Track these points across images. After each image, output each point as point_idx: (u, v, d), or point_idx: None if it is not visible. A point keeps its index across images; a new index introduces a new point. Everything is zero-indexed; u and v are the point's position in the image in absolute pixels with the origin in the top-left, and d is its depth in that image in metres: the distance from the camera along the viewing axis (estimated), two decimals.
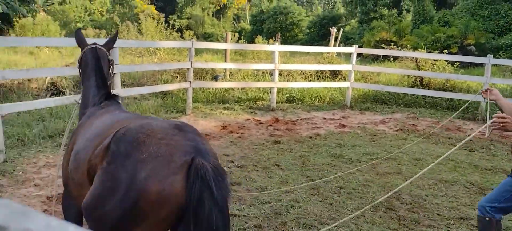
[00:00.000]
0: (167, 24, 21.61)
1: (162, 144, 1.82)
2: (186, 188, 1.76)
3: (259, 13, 50.18)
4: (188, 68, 8.61)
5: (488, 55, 9.17)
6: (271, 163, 5.53)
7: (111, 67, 3.06)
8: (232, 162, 5.54)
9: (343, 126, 8.20)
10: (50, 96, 8.71)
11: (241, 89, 10.60)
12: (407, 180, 4.97)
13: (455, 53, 20.84)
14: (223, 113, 8.76)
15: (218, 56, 17.60)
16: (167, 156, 1.78)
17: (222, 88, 10.24)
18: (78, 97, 3.06)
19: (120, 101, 2.89)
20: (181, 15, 49.43)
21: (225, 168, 5.21)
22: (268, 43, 20.83)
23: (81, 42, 3.08)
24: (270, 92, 9.72)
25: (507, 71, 13.34)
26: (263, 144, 6.62)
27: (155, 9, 43.30)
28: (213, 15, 56.28)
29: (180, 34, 24.34)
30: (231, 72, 11.84)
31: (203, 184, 1.76)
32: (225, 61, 11.79)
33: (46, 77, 9.44)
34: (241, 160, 5.67)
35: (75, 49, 17.02)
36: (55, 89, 9.45)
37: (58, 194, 4.08)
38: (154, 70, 10.63)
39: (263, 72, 11.86)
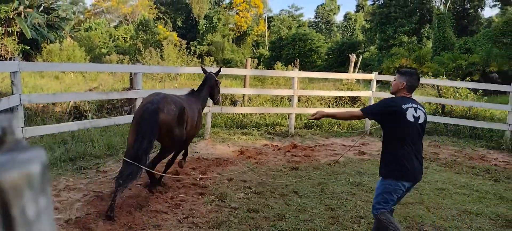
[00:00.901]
0: (188, 50, 22.08)
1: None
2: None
3: (278, 39, 50.74)
4: None
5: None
6: (289, 190, 5.46)
7: (217, 84, 6.21)
8: (249, 188, 5.50)
9: (363, 153, 8.07)
10: (72, 120, 8.92)
11: (259, 114, 10.63)
12: (429, 211, 4.83)
13: (477, 81, 20.46)
14: (241, 139, 8.77)
15: (237, 82, 17.79)
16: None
17: (241, 113, 10.29)
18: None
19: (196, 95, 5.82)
20: (202, 41, 50.42)
21: (242, 194, 5.20)
22: (286, 69, 20.94)
23: (204, 70, 6.31)
24: (289, 118, 9.71)
25: None
26: (281, 170, 6.57)
27: (177, 36, 44.33)
28: (233, 42, 57.20)
29: (200, 60, 24.74)
30: (249, 98, 11.91)
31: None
32: (244, 86, 11.89)
33: (70, 102, 9.70)
34: (258, 186, 5.62)
35: (99, 74, 17.51)
36: (77, 113, 9.68)
37: (76, 217, 4.12)
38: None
39: (281, 98, 11.89)
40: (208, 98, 6.25)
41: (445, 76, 13.34)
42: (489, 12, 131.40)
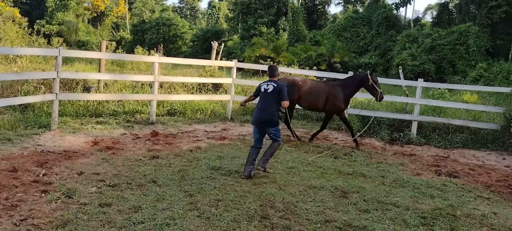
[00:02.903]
0: (32, 29, 19.32)
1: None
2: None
3: (141, 23, 48.48)
4: (54, 79, 7.76)
5: (350, 72, 10.31)
6: (148, 180, 5.26)
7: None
8: (103, 181, 5.11)
9: (224, 138, 8.30)
10: None
11: (117, 102, 9.98)
12: (281, 189, 5.23)
13: (324, 70, 23.06)
14: (95, 128, 8.10)
15: (93, 66, 16.36)
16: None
17: (95, 100, 9.49)
18: None
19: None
20: (51, 20, 44.83)
21: (94, 188, 4.80)
22: (150, 55, 20.14)
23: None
24: (150, 105, 9.35)
25: None
26: (140, 159, 6.29)
27: (20, 13, 38.46)
28: (89, 22, 52.36)
29: (47, 41, 21.97)
30: (106, 84, 11.06)
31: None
32: (99, 71, 10.97)
33: None
34: (113, 178, 5.27)
35: None
36: None
37: None
38: (12, 80, 9.31)
39: (142, 84, 11.37)
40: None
41: (297, 65, 14.64)
42: (334, 9, 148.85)
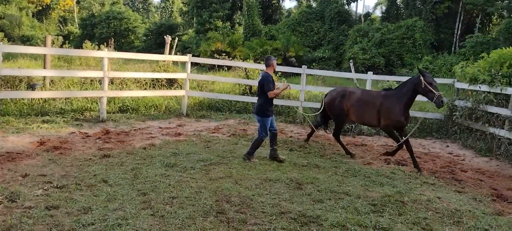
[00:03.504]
0: None
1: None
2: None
3: (90, 16, 46.47)
4: None
5: (303, 66, 10.49)
6: (98, 180, 5.07)
7: None
8: (50, 182, 4.86)
9: (179, 134, 8.17)
10: None
11: (65, 99, 9.52)
12: (237, 183, 5.23)
13: (279, 64, 23.31)
14: (41, 128, 7.68)
15: (38, 63, 15.47)
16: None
17: (41, 98, 8.99)
18: None
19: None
20: None
21: (40, 191, 4.55)
22: (99, 49, 19.37)
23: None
24: (100, 102, 9.00)
25: (319, 80, 15.55)
26: (90, 159, 6.04)
27: None
28: (33, 16, 49.47)
29: None
30: (52, 81, 10.50)
31: None
32: (45, 67, 10.39)
33: None
34: (61, 179, 5.02)
35: None
36: None
37: None
38: None
39: (91, 81, 10.91)
40: None
41: (252, 60, 14.68)
42: (289, 4, 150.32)
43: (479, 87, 8.57)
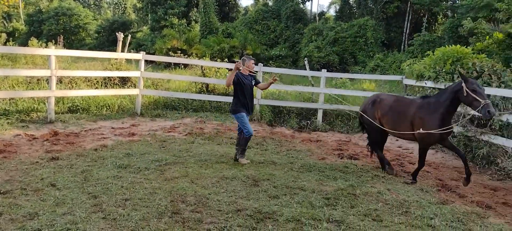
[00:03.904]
0: None
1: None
2: None
3: (37, 12, 44.02)
4: None
5: (260, 64, 10.56)
6: (45, 184, 4.83)
7: None
8: None
9: (133, 134, 7.95)
10: None
11: (9, 100, 8.97)
12: (193, 182, 5.18)
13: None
14: None
15: None
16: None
17: None
18: None
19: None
20: None
21: None
22: (47, 47, 18.39)
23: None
24: (47, 102, 8.56)
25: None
26: (37, 162, 5.74)
27: None
28: None
29: None
30: None
31: None
32: None
33: None
34: (4, 184, 4.73)
35: None
36: None
37: None
38: None
39: (38, 80, 10.35)
40: None
41: (208, 57, 14.58)
42: (246, 1, 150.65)
43: (425, 83, 9.03)
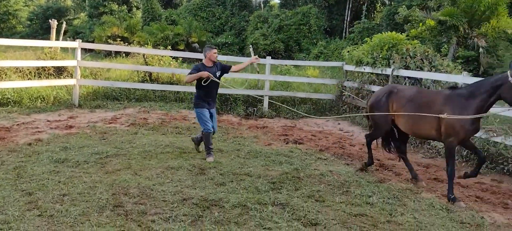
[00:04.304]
0: None
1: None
2: None
3: None
4: None
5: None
6: None
7: None
8: None
9: (71, 126, 7.55)
10: None
11: None
12: (136, 174, 5.03)
13: (182, 50, 22.84)
14: None
15: None
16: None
17: None
18: None
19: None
20: None
21: None
22: None
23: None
24: None
25: None
26: None
27: None
28: None
29: None
30: None
31: None
32: None
33: None
34: None
35: None
36: None
37: None
38: None
39: None
40: None
41: (150, 45, 14.15)
42: None
43: (364, 69, 9.44)
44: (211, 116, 6.02)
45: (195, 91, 6.12)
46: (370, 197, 4.71)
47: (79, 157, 5.59)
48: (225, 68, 6.12)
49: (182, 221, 3.81)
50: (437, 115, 4.87)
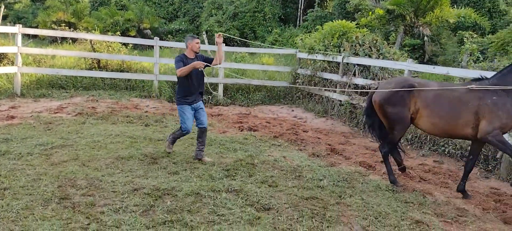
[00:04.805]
0: None
1: None
2: None
3: None
4: None
5: (155, 38, 10.16)
6: None
7: None
8: None
9: (12, 117, 7.10)
10: None
11: None
12: (84, 165, 4.84)
13: (133, 36, 22.06)
14: None
15: None
16: None
17: None
18: None
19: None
20: None
21: None
22: None
23: None
24: None
25: (176, 53, 15.32)
26: None
27: None
28: None
29: None
30: None
31: None
32: None
33: None
34: None
35: None
36: None
37: None
38: None
39: None
40: None
41: (98, 31, 13.55)
42: None
43: (316, 56, 9.62)
44: (196, 111, 5.45)
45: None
46: (321, 181, 4.86)
47: (22, 148, 5.28)
48: (208, 61, 5.48)
49: (133, 211, 3.73)
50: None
